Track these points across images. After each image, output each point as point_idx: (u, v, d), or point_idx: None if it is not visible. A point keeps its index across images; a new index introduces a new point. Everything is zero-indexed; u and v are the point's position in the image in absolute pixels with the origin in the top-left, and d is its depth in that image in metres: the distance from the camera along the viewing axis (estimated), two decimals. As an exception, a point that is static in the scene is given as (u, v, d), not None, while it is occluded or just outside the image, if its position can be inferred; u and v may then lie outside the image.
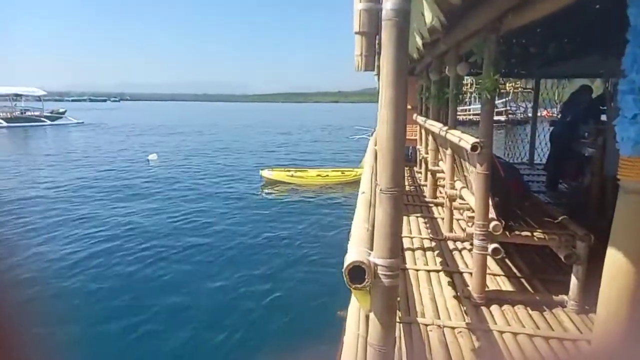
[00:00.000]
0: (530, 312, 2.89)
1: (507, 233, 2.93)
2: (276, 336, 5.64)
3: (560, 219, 3.13)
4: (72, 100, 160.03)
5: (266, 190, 14.31)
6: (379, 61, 1.35)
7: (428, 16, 1.66)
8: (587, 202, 5.26)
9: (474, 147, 2.88)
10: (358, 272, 1.31)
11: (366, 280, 1.30)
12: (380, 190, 1.32)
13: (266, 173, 15.13)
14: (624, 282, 1.18)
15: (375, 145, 2.13)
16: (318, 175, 14.88)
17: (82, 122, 43.98)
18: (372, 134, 9.24)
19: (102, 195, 13.45)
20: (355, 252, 1.38)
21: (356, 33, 1.28)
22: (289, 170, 15.36)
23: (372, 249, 1.40)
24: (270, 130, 39.95)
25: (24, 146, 28.24)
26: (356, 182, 14.06)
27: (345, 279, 1.31)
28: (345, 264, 1.33)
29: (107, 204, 12.41)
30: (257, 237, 9.74)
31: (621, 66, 1.19)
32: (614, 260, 1.20)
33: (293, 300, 6.65)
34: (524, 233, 2.95)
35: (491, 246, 2.91)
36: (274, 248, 9.02)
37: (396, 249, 1.35)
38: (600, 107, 6.35)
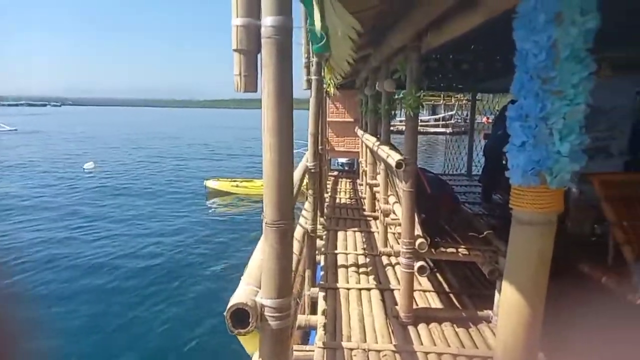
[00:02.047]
0: (456, 329, 2.87)
1: (433, 250, 2.91)
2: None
3: (485, 233, 3.16)
4: (9, 105, 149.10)
5: (210, 201, 13.94)
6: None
7: (335, 35, 1.58)
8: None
9: (398, 165, 2.85)
10: (242, 315, 1.18)
11: (250, 324, 1.17)
12: (266, 223, 1.20)
13: (211, 183, 14.76)
14: (519, 320, 1.13)
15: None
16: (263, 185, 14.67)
17: (16, 130, 41.08)
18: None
19: (34, 206, 12.55)
20: (241, 291, 1.25)
21: (234, 50, 1.17)
22: (234, 181, 15.04)
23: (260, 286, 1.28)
24: (216, 137, 38.98)
25: None
26: (302, 191, 13.99)
27: (227, 323, 1.17)
28: (228, 306, 1.20)
29: (38, 215, 11.59)
30: (197, 247, 9.45)
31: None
32: (509, 296, 1.15)
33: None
34: (449, 250, 2.94)
35: (417, 264, 2.87)
36: (213, 259, 8.81)
37: (286, 288, 1.23)
38: None
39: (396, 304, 3.14)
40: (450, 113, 31.64)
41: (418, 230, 2.95)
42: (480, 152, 9.92)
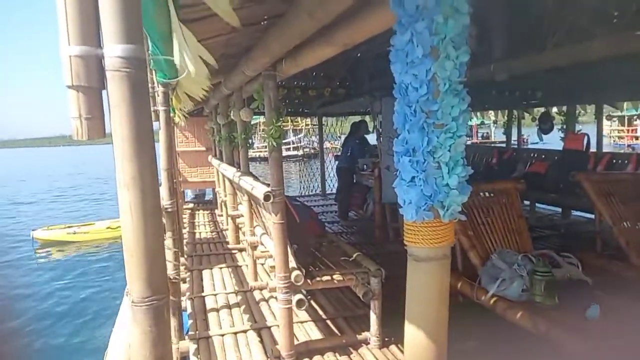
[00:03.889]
0: (339, 357, 2.84)
1: (309, 281, 2.84)
2: None
3: (354, 256, 3.22)
4: None
5: (41, 255, 11.74)
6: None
7: (190, 66, 1.39)
8: (373, 228, 5.80)
9: (266, 197, 2.72)
10: None
11: None
12: (132, 302, 0.95)
13: (39, 234, 12.33)
14: (425, 353, 1.10)
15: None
16: (109, 228, 12.77)
17: None
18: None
19: None
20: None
21: (69, 87, 0.91)
22: (70, 227, 12.85)
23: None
24: (33, 181, 33.33)
25: None
26: None
27: None
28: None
29: None
30: (29, 317, 7.83)
31: (393, 125, 1.13)
32: (413, 334, 1.11)
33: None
34: (324, 278, 2.91)
35: (295, 297, 2.77)
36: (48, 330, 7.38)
37: (166, 379, 0.98)
38: (368, 142, 7.27)
39: (275, 343, 2.98)
40: (299, 136, 32.95)
41: (292, 262, 2.85)
42: (332, 172, 10.51)
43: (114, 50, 0.90)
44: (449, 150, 1.05)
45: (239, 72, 3.36)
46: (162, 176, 3.48)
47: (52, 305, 8.28)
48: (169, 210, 3.42)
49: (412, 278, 1.16)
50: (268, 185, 2.90)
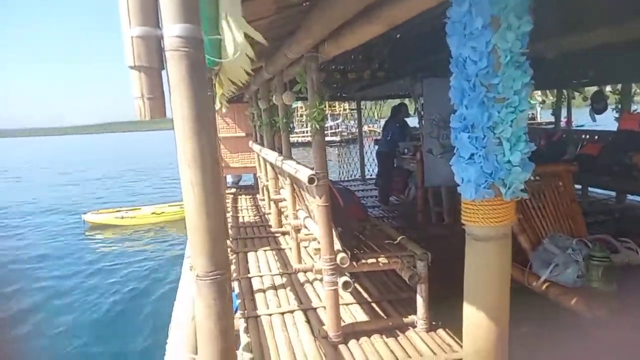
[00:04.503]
0: (385, 339, 2.84)
1: (355, 263, 2.85)
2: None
3: (398, 239, 3.19)
4: None
5: (92, 237, 12.38)
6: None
7: (231, 47, 1.39)
8: (416, 212, 5.72)
9: (310, 180, 2.73)
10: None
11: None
12: (197, 276, 0.98)
13: (90, 217, 13.08)
14: (486, 340, 1.07)
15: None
16: (153, 213, 13.36)
17: None
18: None
19: None
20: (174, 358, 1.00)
21: (132, 68, 0.93)
22: (118, 211, 13.51)
23: (197, 351, 1.05)
24: (85, 167, 35.04)
25: None
26: None
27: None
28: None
29: None
30: (82, 293, 8.32)
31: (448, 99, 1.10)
32: (472, 316, 1.08)
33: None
34: (369, 260, 2.90)
35: (341, 280, 2.78)
36: (101, 304, 7.82)
37: (229, 351, 1.02)
38: (408, 125, 7.15)
39: (322, 324, 3.02)
40: (337, 122, 32.83)
41: (337, 245, 2.86)
42: (372, 157, 10.43)
43: (172, 30, 0.92)
44: (511, 126, 1.00)
45: (280, 56, 3.36)
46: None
47: (100, 284, 8.75)
48: (215, 194, 3.50)
49: (470, 258, 1.13)
50: (312, 168, 2.91)
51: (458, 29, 1.04)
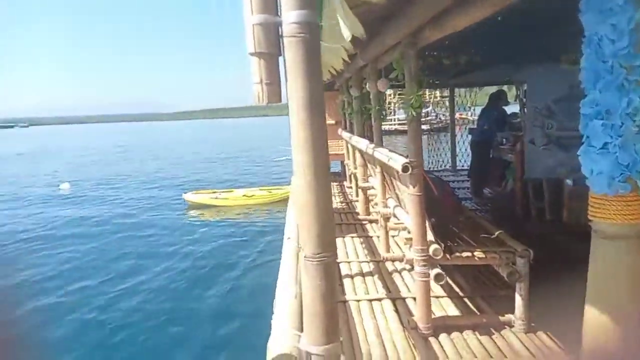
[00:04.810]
0: (479, 337, 2.73)
1: (448, 256, 2.76)
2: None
3: (496, 234, 3.03)
4: None
5: (190, 215, 13.52)
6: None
7: (345, 31, 1.40)
8: (513, 206, 5.38)
9: (404, 168, 2.68)
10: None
11: (296, 379, 0.98)
12: (305, 256, 1.01)
13: (189, 196, 14.35)
14: (609, 341, 0.98)
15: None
16: (244, 196, 14.39)
17: None
18: None
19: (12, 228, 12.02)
20: (280, 337, 1.05)
21: (252, 55, 0.97)
22: (213, 192, 14.69)
23: (302, 329, 1.08)
24: (192, 150, 38.20)
25: None
26: (284, 201, 13.82)
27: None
28: (269, 357, 1.00)
29: (17, 238, 11.09)
30: (180, 264, 9.10)
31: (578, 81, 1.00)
32: (595, 320, 0.99)
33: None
34: (464, 254, 2.79)
35: (433, 272, 2.71)
36: (198, 275, 8.49)
37: (334, 332, 1.04)
38: (507, 114, 6.69)
39: (411, 314, 2.98)
40: (426, 110, 31.87)
41: (430, 236, 2.79)
42: (464, 146, 9.98)
43: (290, 16, 0.94)
44: (653, 112, 0.89)
45: (377, 43, 3.32)
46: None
47: (199, 260, 9.48)
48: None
49: (597, 257, 1.03)
50: (406, 156, 2.86)
51: (594, 4, 0.93)
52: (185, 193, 14.64)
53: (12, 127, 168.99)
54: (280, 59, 1.01)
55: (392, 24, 2.84)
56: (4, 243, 11.19)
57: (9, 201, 16.82)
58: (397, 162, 2.81)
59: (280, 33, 0.98)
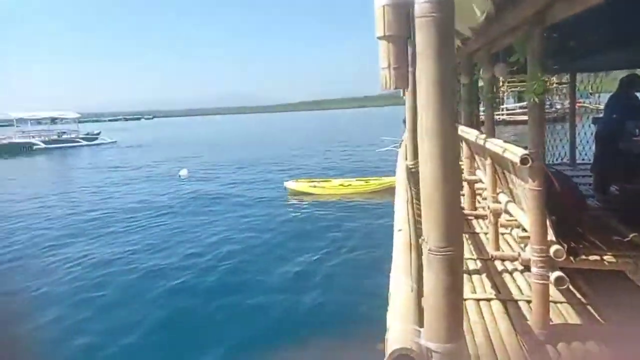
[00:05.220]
0: (604, 348, 2.44)
1: (572, 259, 2.50)
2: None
3: (630, 237, 2.67)
4: (109, 120, 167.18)
5: (290, 202, 14.17)
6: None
7: (477, 10, 1.30)
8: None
9: (523, 160, 2.47)
10: (405, 364, 0.95)
11: (417, 377, 0.94)
12: (429, 250, 0.97)
13: (290, 184, 15.07)
14: None
15: (410, 168, 1.79)
16: (341, 185, 14.71)
17: (115, 142, 45.62)
18: (400, 145, 8.92)
19: (139, 211, 13.66)
20: (399, 331, 1.02)
21: (380, 38, 0.94)
22: (312, 181, 15.24)
23: (421, 324, 1.04)
24: (295, 141, 39.86)
25: (58, 165, 29.77)
26: (380, 191, 13.74)
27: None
28: (388, 351, 0.97)
29: (142, 218, 12.67)
30: (278, 251, 9.56)
31: None
32: None
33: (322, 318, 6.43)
34: (591, 257, 2.51)
35: (553, 274, 2.48)
36: (291, 262, 8.86)
37: (456, 328, 0.98)
38: None
39: (524, 318, 2.76)
40: None
41: (550, 235, 2.55)
42: (584, 138, 8.97)
43: (423, -5, 0.89)
44: None
45: (497, 22, 3.08)
46: (408, 136, 3.56)
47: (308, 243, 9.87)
48: (412, 170, 3.48)
49: None
50: (524, 147, 2.63)
51: None
52: (286, 181, 15.33)
53: (138, 119, 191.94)
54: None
55: (517, 1, 2.61)
56: (138, 213, 13.33)
57: (143, 182, 19.21)
58: (514, 153, 2.60)
59: (409, 14, 0.93)
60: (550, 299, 2.97)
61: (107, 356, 5.76)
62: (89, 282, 8.13)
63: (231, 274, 8.30)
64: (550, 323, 2.60)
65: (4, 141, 39.17)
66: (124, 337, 6.11)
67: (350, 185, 14.72)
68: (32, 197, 16.83)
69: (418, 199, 3.22)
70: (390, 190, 11.69)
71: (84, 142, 42.97)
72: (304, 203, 13.85)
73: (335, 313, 6.50)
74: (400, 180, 3.71)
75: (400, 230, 1.77)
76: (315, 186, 14.78)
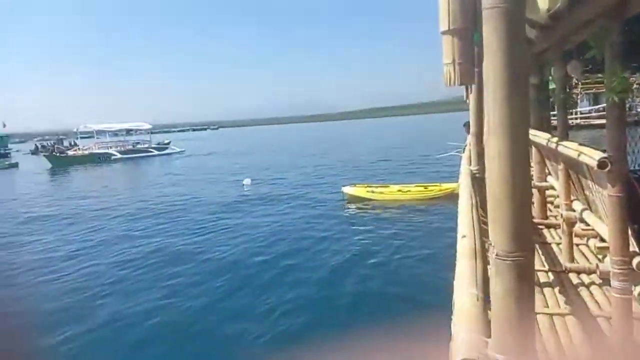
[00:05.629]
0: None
1: (659, 271, 2.26)
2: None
3: None
4: (178, 131, 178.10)
5: (347, 207, 14.11)
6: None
7: (543, 3, 1.22)
8: None
9: (601, 164, 2.28)
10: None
11: (485, 390, 0.88)
12: (496, 255, 0.91)
13: (347, 189, 15.00)
14: None
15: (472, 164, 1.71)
16: (399, 191, 14.39)
17: (184, 151, 48.33)
18: (463, 150, 8.68)
19: (205, 218, 14.42)
20: (465, 342, 0.97)
21: (443, 33, 0.91)
22: (369, 186, 15.05)
23: (488, 334, 0.98)
24: (356, 147, 40.10)
25: (135, 173, 32.72)
26: (440, 198, 13.32)
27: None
28: (454, 359, 0.92)
29: (209, 225, 13.32)
30: (336, 254, 9.58)
31: None
32: None
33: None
34: (683, 271, 2.26)
35: (637, 289, 2.26)
36: (348, 265, 8.94)
37: (528, 341, 0.91)
38: None
39: (604, 336, 2.53)
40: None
41: (633, 246, 2.33)
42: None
43: (490, -14, 0.85)
44: None
45: (569, 17, 2.89)
46: (472, 141, 3.44)
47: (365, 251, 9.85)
48: (477, 175, 3.35)
49: None
50: (602, 151, 2.43)
51: None
52: (344, 186, 15.31)
53: (205, 129, 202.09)
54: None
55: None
56: (212, 210, 14.67)
57: (209, 187, 20.50)
58: (591, 157, 2.41)
59: (475, 6, 0.89)
60: (633, 315, 2.72)
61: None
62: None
63: (289, 272, 8.70)
64: (634, 342, 2.37)
65: (86, 152, 42.63)
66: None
67: (409, 191, 14.38)
68: (126, 199, 18.59)
69: (483, 205, 3.09)
70: (450, 197, 11.34)
71: (156, 152, 45.87)
72: (360, 209, 13.80)
73: (394, 318, 6.39)
74: (464, 185, 3.57)
75: (464, 236, 1.69)
76: (373, 192, 14.59)
